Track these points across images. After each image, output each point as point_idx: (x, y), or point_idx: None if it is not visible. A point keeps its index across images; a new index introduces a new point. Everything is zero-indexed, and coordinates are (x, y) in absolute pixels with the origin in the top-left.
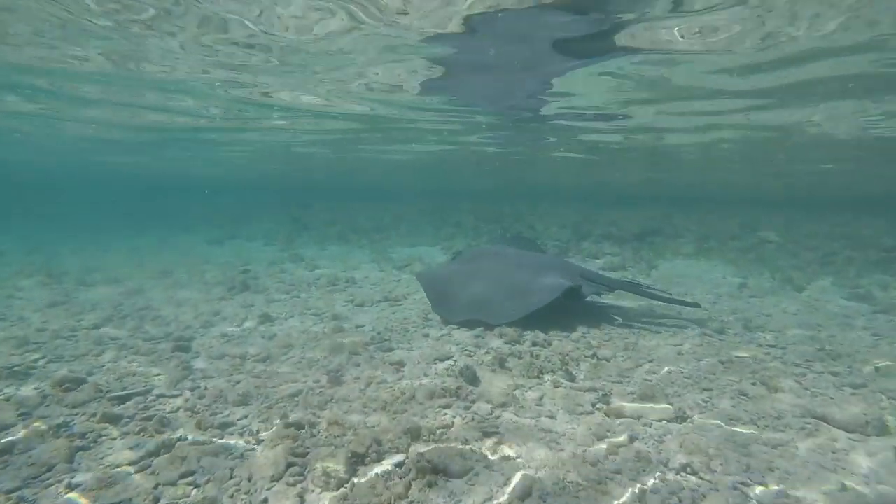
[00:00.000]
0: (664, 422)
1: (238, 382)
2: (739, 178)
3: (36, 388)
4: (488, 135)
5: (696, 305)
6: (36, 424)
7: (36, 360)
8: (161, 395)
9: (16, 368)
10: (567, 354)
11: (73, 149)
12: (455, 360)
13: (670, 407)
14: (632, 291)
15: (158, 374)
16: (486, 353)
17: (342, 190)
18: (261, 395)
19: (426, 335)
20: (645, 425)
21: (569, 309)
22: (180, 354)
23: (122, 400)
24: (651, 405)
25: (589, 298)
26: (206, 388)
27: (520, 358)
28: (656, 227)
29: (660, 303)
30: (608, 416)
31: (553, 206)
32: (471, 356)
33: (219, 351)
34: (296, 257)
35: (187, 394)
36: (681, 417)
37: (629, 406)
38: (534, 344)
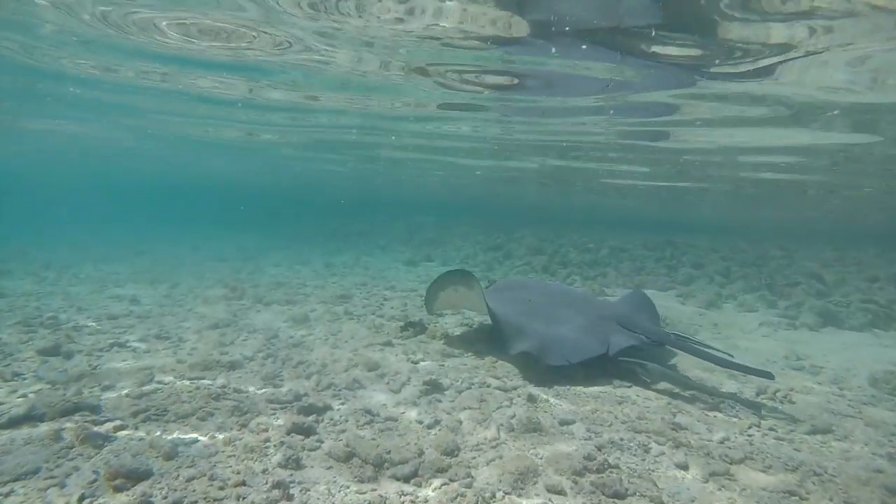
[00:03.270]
0: None
1: None
2: None
3: (93, 473)
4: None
5: (769, 376)
6: None
7: (136, 413)
8: None
9: (104, 425)
10: None
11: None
12: None
13: None
14: (683, 350)
15: (239, 487)
16: None
17: (553, 215)
18: None
19: (683, 466)
20: None
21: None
22: (294, 442)
23: None
24: None
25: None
26: None
27: None
28: None
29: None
30: None
31: (848, 247)
32: None
33: (347, 446)
34: None
35: None
36: None
37: None
38: None
